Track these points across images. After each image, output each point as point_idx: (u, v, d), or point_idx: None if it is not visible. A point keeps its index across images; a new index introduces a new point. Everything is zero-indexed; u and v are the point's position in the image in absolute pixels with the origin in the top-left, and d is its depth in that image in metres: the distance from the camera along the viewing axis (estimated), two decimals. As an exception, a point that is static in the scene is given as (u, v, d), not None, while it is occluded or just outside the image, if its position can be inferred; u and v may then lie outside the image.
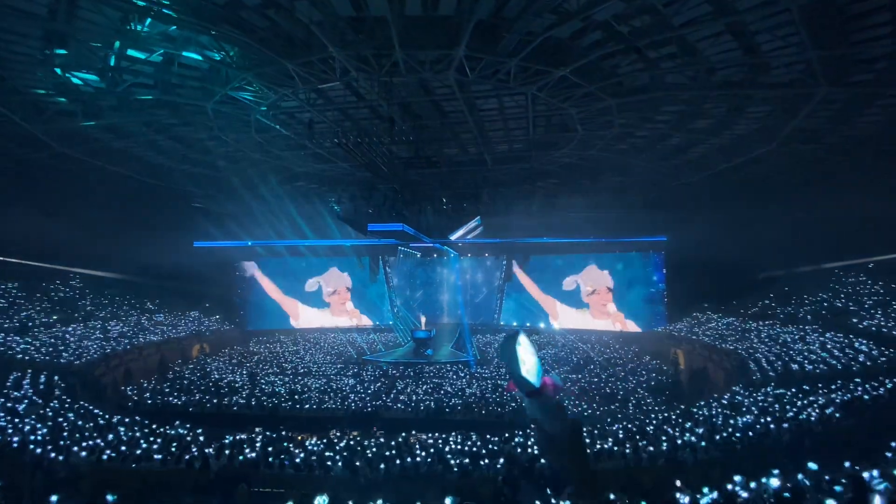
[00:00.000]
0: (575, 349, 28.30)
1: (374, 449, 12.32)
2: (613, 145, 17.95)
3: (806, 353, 17.96)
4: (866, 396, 12.72)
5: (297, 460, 11.02)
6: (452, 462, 11.03)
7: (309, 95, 13.77)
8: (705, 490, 6.14)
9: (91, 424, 13.26)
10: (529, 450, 12.04)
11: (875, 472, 5.23)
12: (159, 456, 10.87)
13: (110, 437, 12.26)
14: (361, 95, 14.08)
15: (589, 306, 32.94)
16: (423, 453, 11.88)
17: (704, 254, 25.81)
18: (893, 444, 7.40)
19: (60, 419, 13.41)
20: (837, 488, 5.11)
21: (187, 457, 10.77)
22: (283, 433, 14.54)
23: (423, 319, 32.22)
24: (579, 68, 11.72)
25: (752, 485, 6.16)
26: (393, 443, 13.13)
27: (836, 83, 11.85)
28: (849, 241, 23.20)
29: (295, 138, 16.80)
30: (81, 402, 15.39)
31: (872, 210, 19.93)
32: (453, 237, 23.12)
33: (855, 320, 20.52)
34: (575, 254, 33.17)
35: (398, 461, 11.08)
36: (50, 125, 14.99)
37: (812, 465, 5.82)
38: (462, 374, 23.56)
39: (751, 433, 11.39)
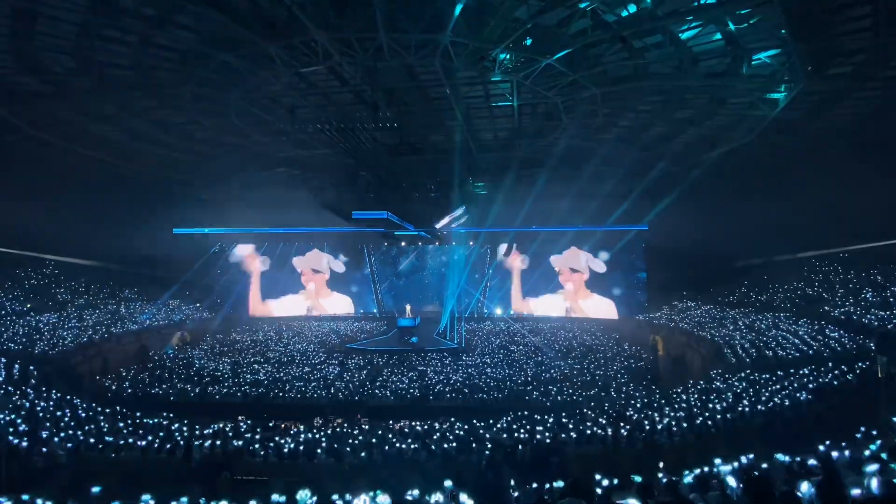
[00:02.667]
0: (557, 337, 28.68)
1: (359, 437, 12.37)
2: (597, 134, 18.05)
3: (779, 340, 18.49)
4: (835, 382, 13.18)
5: (282, 448, 11.00)
6: (436, 448, 11.13)
7: (291, 79, 13.48)
8: (685, 472, 6.32)
9: (69, 414, 13.00)
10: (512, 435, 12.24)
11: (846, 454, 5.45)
12: (141, 444, 10.74)
13: (89, 426, 12.05)
14: (345, 80, 13.84)
15: (563, 288, 33.42)
16: (408, 440, 11.97)
17: (684, 242, 26.31)
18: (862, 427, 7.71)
19: (37, 409, 13.12)
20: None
21: (168, 445, 10.67)
22: (267, 421, 14.48)
23: (407, 308, 32.23)
24: (565, 57, 11.69)
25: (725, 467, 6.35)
26: (378, 430, 13.19)
27: (815, 75, 12.06)
28: (823, 231, 23.83)
29: (276, 123, 16.48)
30: (58, 392, 15.07)
31: (846, 201, 20.50)
32: (438, 225, 23.08)
33: (827, 308, 21.17)
34: (557, 242, 33.48)
35: (383, 448, 11.14)
36: (21, 107, 14.42)
37: (780, 457, 6.03)
38: (447, 362, 23.70)
39: (728, 416, 11.73)
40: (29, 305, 23.43)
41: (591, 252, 33.03)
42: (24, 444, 9.94)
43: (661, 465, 7.02)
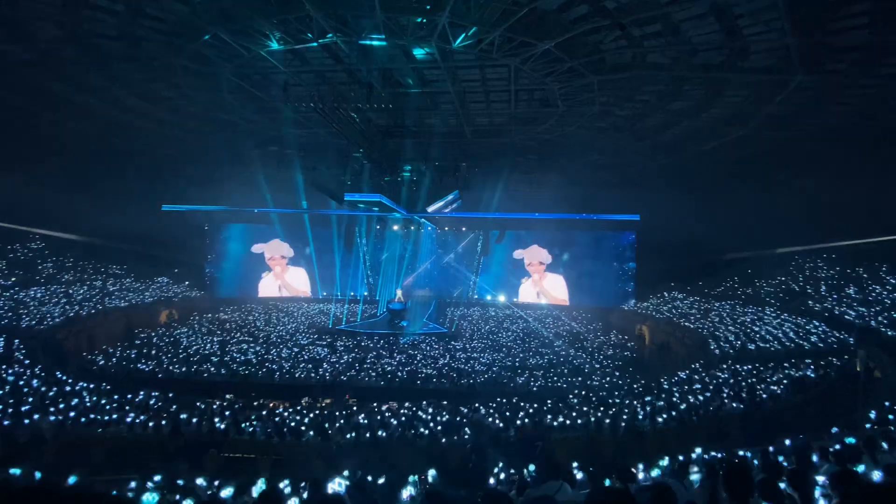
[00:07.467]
0: (544, 324, 28.93)
1: (345, 417, 12.47)
2: (593, 123, 17.96)
3: (762, 333, 18.83)
4: (815, 375, 13.49)
5: (268, 427, 11.06)
6: (423, 430, 11.26)
7: (284, 56, 13.21)
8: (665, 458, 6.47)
9: (55, 389, 12.93)
10: (497, 420, 12.40)
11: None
12: (128, 420, 10.74)
13: (75, 401, 12.00)
14: (340, 59, 13.59)
15: (529, 275, 34.68)
16: (395, 421, 12.09)
17: (674, 234, 26.52)
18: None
19: (21, 384, 13.03)
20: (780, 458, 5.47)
21: (155, 423, 10.68)
22: (255, 400, 14.53)
23: (398, 292, 32.27)
24: (563, 42, 11.57)
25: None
26: (365, 411, 13.30)
27: (812, 71, 12.07)
28: (809, 227, 24.15)
29: (268, 100, 16.20)
30: (44, 367, 14.96)
31: (833, 198, 20.74)
32: (430, 209, 22.96)
33: (810, 303, 21.56)
34: (549, 230, 33.66)
35: (370, 429, 11.25)
36: (5, 76, 14.00)
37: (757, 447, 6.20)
38: (435, 346, 23.86)
39: (709, 406, 11.98)
40: (14, 279, 23.10)
41: (574, 240, 33.77)
42: (8, 419, 9.90)
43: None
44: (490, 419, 12.53)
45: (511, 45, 11.90)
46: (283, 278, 35.88)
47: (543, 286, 34.41)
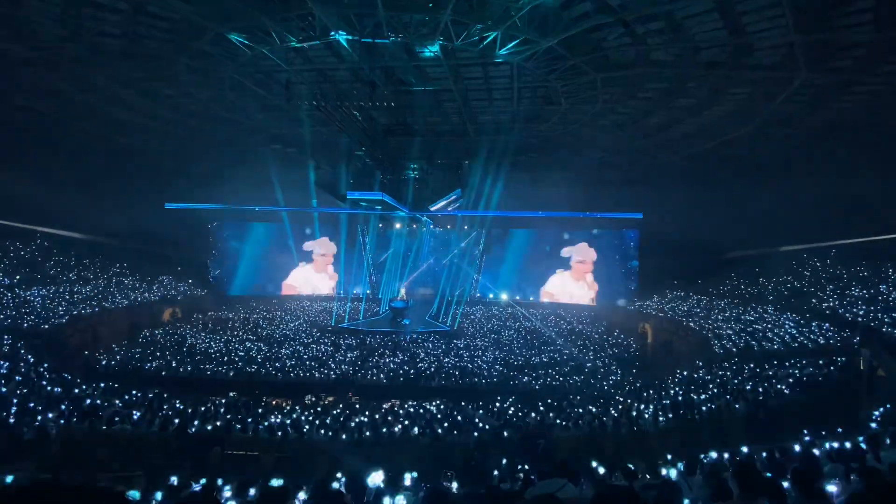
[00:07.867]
0: (547, 322, 28.93)
1: (350, 415, 12.48)
2: (596, 121, 17.92)
3: (765, 332, 18.76)
4: (819, 374, 13.43)
5: (273, 424, 11.07)
6: (426, 428, 11.26)
7: (287, 54, 13.22)
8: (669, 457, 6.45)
9: (59, 387, 12.98)
10: (499, 418, 12.41)
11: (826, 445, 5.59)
12: (132, 418, 10.76)
13: (80, 399, 12.04)
14: (342, 57, 13.59)
15: (572, 268, 34.35)
16: (398, 419, 12.10)
17: (677, 232, 26.45)
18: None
19: (27, 381, 13.08)
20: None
21: (159, 420, 10.70)
22: (258, 398, 14.56)
23: (402, 290, 32.30)
24: (566, 40, 11.54)
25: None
26: (369, 409, 13.32)
27: (815, 68, 12.01)
28: (813, 226, 24.03)
29: (270, 98, 16.21)
30: (48, 365, 15.02)
31: (837, 196, 20.64)
32: (433, 208, 22.94)
33: (814, 301, 21.46)
34: (552, 229, 33.62)
35: (374, 426, 11.25)
36: (9, 75, 14.05)
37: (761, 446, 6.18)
38: (439, 344, 23.88)
39: (712, 405, 11.94)
40: (18, 278, 23.18)
41: (590, 240, 33.44)
42: (13, 417, 9.94)
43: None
44: (492, 417, 12.54)
45: (514, 43, 11.87)
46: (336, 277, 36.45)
47: (594, 286, 34.28)
